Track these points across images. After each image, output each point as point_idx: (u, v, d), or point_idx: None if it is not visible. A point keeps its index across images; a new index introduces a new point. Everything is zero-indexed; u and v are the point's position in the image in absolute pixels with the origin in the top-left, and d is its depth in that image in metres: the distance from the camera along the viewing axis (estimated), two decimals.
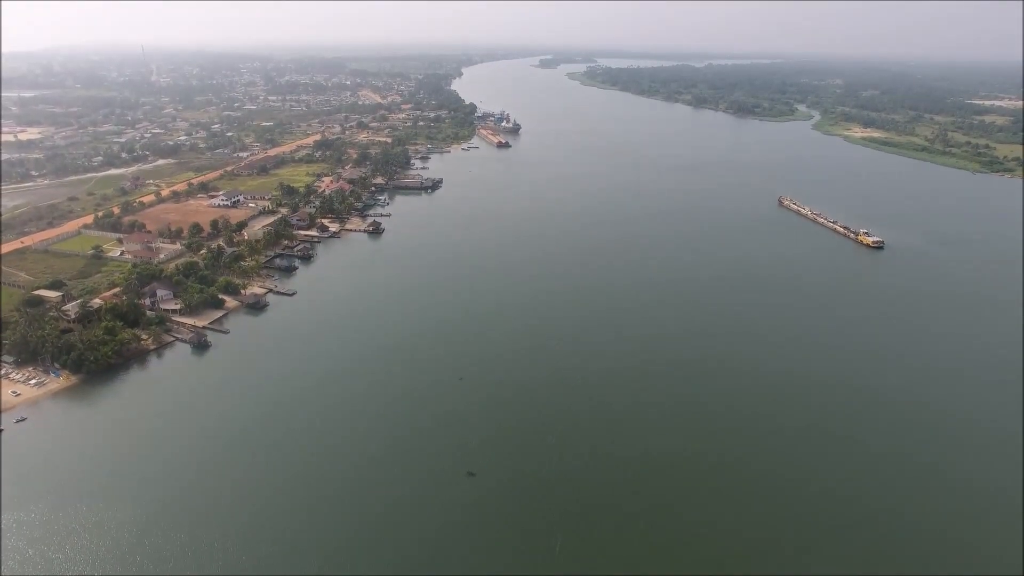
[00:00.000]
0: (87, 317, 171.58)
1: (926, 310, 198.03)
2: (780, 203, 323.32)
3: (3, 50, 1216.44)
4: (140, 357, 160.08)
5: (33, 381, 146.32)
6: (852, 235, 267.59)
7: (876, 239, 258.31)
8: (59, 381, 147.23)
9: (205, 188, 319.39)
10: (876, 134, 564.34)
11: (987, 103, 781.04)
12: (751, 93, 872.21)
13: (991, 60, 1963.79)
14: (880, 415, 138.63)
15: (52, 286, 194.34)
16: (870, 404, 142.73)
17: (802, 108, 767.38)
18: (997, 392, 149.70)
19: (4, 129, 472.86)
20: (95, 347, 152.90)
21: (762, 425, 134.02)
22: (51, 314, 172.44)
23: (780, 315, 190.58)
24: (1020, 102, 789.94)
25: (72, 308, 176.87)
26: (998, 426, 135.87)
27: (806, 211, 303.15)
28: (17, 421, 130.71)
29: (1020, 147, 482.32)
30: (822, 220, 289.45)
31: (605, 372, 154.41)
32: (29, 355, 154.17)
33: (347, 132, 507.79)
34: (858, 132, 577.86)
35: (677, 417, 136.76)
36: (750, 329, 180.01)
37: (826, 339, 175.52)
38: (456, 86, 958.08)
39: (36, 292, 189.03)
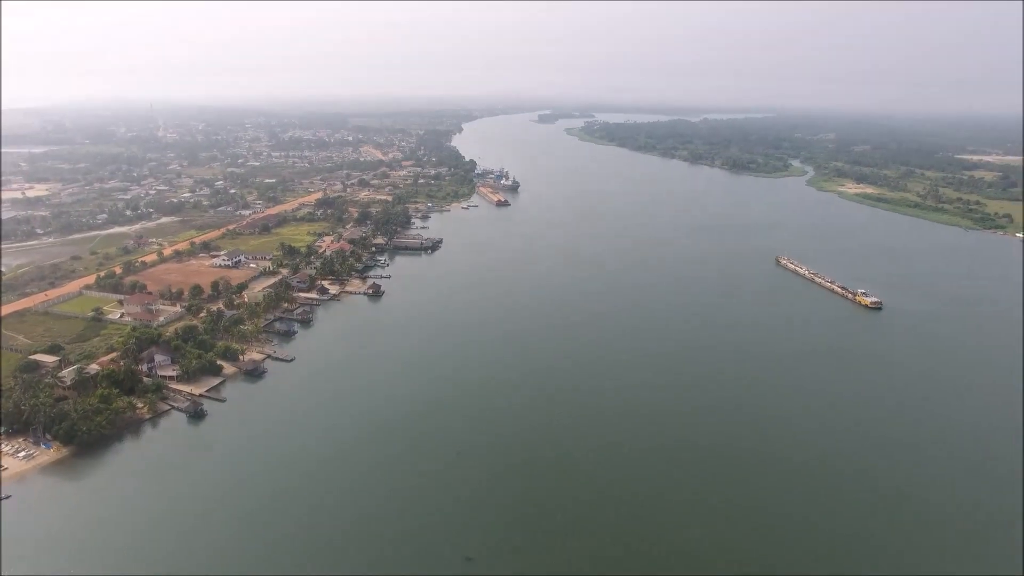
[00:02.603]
0: (83, 384, 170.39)
1: (927, 374, 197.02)
2: (778, 262, 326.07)
3: (15, 106, 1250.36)
4: (134, 426, 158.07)
5: (22, 453, 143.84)
6: (850, 295, 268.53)
7: (874, 299, 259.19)
8: (49, 453, 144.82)
9: (207, 247, 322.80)
10: (869, 190, 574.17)
11: (975, 158, 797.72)
12: (746, 149, 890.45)
13: (977, 113, 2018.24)
14: (879, 468, 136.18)
15: (50, 350, 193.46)
16: (868, 456, 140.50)
17: (796, 163, 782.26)
18: (998, 439, 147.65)
19: (13, 187, 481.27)
20: (89, 416, 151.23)
21: (757, 483, 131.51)
22: (47, 380, 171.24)
23: (778, 381, 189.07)
24: (1007, 157, 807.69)
25: (68, 374, 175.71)
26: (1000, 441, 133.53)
27: (803, 271, 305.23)
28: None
29: (1009, 203, 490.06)
30: (819, 280, 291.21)
31: (607, 440, 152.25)
32: (21, 425, 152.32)
33: (348, 190, 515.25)
34: (852, 188, 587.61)
35: (677, 486, 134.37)
36: (748, 396, 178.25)
37: (824, 405, 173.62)
38: (456, 141, 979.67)
39: (33, 356, 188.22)
